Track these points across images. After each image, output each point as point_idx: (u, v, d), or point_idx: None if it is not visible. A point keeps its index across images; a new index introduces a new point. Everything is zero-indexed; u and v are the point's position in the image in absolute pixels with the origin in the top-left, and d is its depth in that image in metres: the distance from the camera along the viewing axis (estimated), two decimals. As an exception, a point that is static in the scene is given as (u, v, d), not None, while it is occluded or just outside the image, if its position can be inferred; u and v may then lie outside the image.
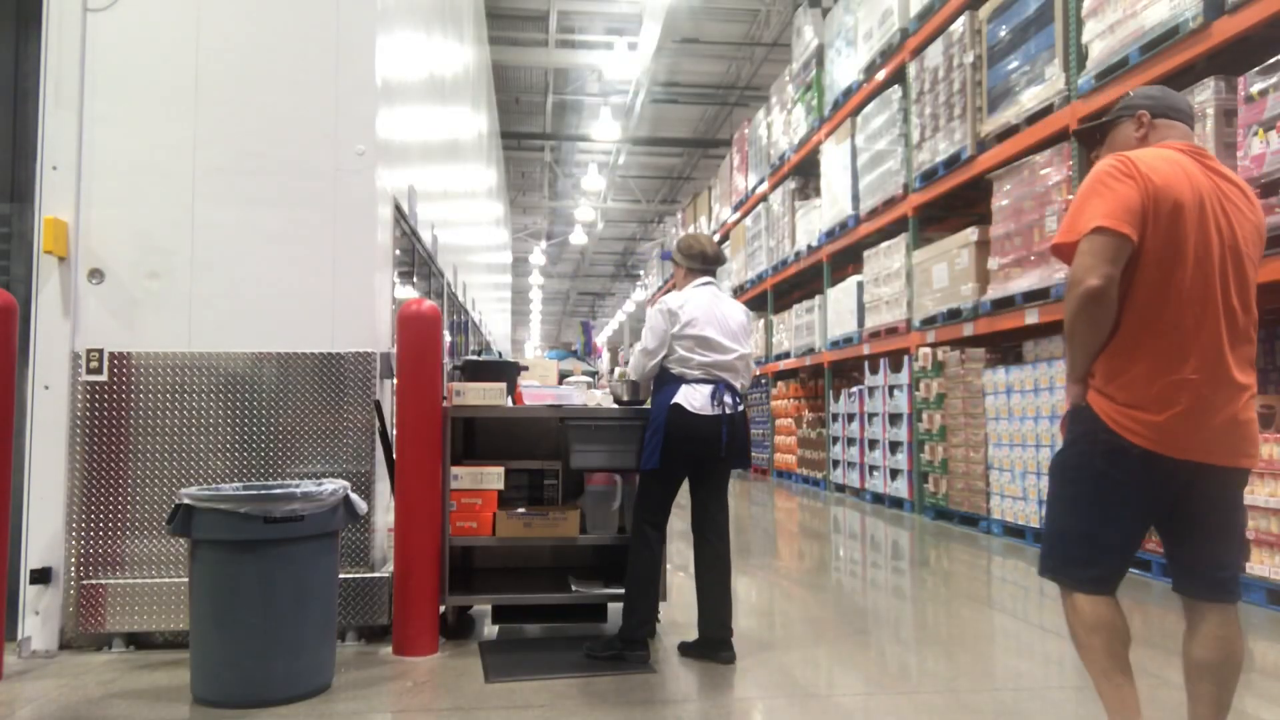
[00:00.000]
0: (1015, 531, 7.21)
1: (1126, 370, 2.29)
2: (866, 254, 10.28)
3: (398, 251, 4.94)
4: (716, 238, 17.23)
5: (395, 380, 4.17)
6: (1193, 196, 2.27)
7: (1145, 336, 2.27)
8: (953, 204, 8.97)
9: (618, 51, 14.90)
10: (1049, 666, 3.73)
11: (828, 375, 11.86)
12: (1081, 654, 2.37)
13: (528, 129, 19.93)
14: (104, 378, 3.97)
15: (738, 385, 3.88)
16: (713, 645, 3.79)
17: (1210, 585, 2.35)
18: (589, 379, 5.13)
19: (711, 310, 3.85)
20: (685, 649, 3.86)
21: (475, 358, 4.54)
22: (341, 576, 3.71)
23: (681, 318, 3.78)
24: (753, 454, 3.96)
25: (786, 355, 13.37)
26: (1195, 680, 2.36)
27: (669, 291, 4.07)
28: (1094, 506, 2.32)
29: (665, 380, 3.85)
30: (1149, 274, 2.26)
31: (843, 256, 11.49)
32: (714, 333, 3.81)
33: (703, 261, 3.99)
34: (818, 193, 12.15)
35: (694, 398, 3.73)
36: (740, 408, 3.85)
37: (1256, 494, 4.81)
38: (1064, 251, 2.35)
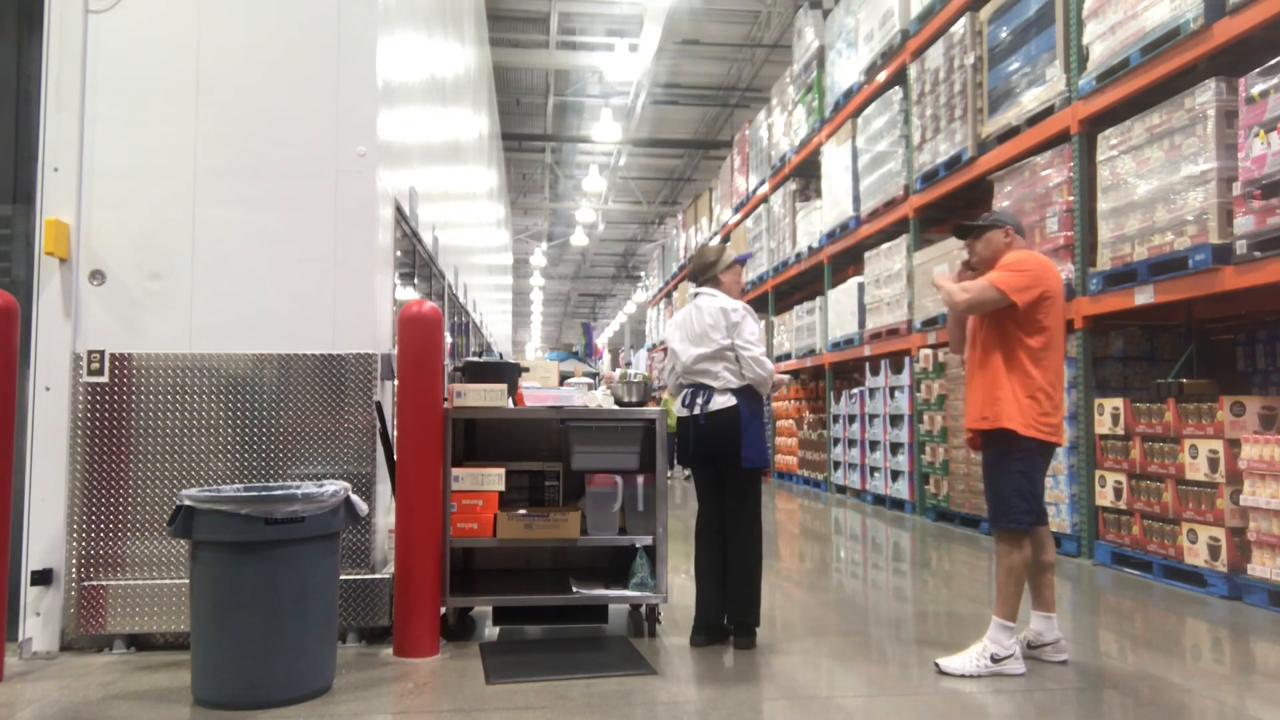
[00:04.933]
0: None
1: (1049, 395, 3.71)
2: (867, 255, 10.29)
3: (398, 253, 4.94)
4: (717, 239, 17.23)
5: (396, 381, 4.17)
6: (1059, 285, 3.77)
7: (1048, 375, 3.66)
8: (954, 205, 8.97)
9: (618, 53, 14.88)
10: (1051, 668, 3.73)
11: (828, 377, 11.86)
12: (1009, 578, 3.64)
13: (528, 130, 19.93)
14: (105, 379, 3.97)
15: (715, 385, 4.01)
16: (732, 631, 4.05)
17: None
18: (590, 380, 5.14)
19: (684, 319, 4.15)
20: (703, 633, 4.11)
21: (476, 359, 4.55)
22: (342, 578, 3.71)
23: (665, 333, 4.23)
24: (751, 454, 4.01)
25: (787, 356, 13.36)
26: (1036, 575, 3.80)
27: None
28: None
29: None
30: (1052, 338, 3.68)
31: (844, 258, 11.49)
32: (678, 341, 4.14)
33: (691, 278, 4.35)
34: (818, 194, 12.15)
35: (676, 403, 4.16)
36: (709, 408, 3.98)
37: (1258, 495, 4.81)
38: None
